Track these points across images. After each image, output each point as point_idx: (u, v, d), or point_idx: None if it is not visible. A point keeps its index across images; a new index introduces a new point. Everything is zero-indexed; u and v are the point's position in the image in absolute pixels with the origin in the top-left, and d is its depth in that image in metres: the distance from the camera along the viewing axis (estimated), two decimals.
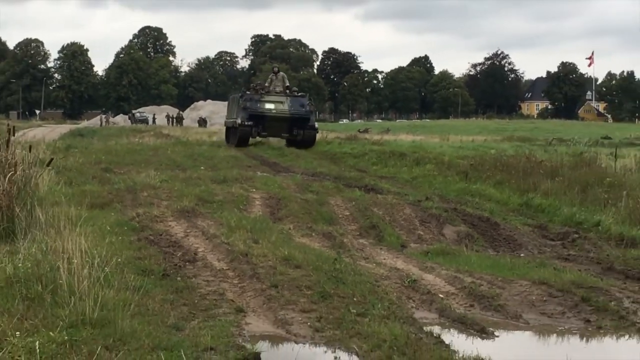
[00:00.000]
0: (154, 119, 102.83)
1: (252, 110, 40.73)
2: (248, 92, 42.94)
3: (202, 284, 11.46)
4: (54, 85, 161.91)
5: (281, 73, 45.65)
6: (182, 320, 9.59)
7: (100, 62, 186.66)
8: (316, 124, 43.72)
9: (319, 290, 10.97)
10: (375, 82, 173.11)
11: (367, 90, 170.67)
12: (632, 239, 17.45)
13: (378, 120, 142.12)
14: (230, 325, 9.58)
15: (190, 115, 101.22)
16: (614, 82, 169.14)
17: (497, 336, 10.38)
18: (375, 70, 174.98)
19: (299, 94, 44.59)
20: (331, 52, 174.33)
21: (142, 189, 21.29)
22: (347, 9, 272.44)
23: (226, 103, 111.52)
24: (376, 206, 20.71)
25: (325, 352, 9.06)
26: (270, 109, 41.25)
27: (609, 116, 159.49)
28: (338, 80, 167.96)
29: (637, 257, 15.11)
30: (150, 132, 60.47)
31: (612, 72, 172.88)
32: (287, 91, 43.10)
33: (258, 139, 44.02)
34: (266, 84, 44.19)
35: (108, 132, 61.43)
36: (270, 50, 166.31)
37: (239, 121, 40.35)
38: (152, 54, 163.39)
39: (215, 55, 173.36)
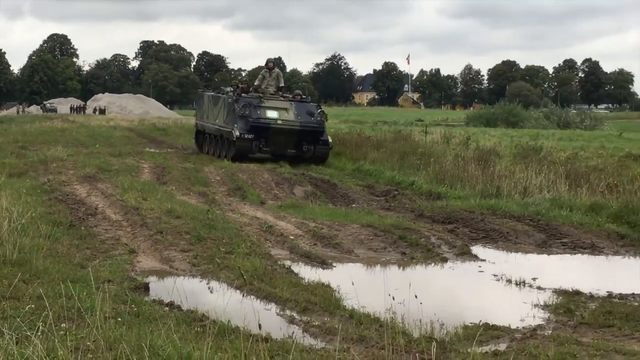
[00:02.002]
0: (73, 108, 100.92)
1: (253, 120, 24.82)
2: (245, 95, 26.11)
3: (101, 232, 11.37)
4: None
5: (276, 70, 28.18)
6: (86, 260, 9.54)
7: (17, 63, 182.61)
8: (329, 138, 26.33)
9: (195, 235, 10.99)
10: (240, 77, 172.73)
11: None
12: (437, 194, 17.92)
13: None
14: (124, 263, 9.56)
15: (92, 106, 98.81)
16: (425, 77, 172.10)
17: (335, 266, 10.57)
18: (240, 69, 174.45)
19: (304, 97, 27.81)
20: (205, 55, 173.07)
21: (52, 161, 21.05)
22: (218, 21, 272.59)
23: (122, 96, 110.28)
24: (241, 172, 20.77)
25: (201, 281, 9.12)
26: (274, 119, 25.29)
27: (422, 104, 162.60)
28: (210, 77, 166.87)
29: (440, 206, 15.50)
30: (58, 118, 58.84)
31: (424, 69, 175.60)
32: (280, 92, 26.98)
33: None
34: (256, 83, 27.63)
35: (24, 119, 59.52)
36: (155, 53, 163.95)
37: (236, 133, 24.57)
38: (59, 56, 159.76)
39: (111, 57, 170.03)
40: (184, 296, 7.81)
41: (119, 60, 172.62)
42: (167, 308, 7.48)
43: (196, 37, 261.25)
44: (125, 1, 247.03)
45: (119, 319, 6.31)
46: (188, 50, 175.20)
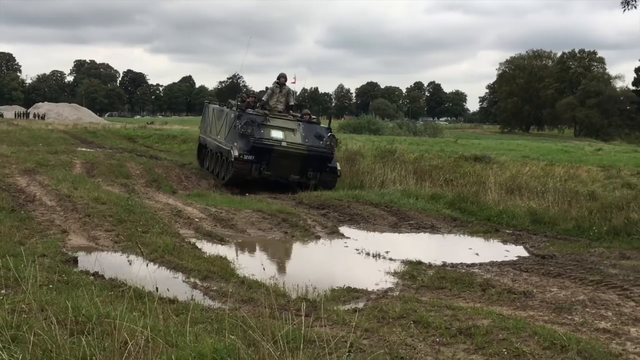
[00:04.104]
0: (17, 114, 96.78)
1: (256, 140, 18.16)
2: (249, 111, 19.19)
3: (38, 216, 10.94)
4: None
5: (288, 86, 20.57)
6: (25, 239, 9.15)
7: None
8: (337, 165, 19.21)
9: (117, 218, 10.72)
10: (157, 92, 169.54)
11: (153, 97, 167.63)
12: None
13: (160, 116, 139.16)
14: (57, 241, 9.23)
15: (33, 112, 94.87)
16: (306, 94, 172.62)
17: (231, 242, 10.50)
18: (158, 84, 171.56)
19: (313, 118, 20.32)
20: (129, 72, 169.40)
21: None
22: (141, 45, 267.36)
23: (59, 104, 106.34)
24: (157, 167, 20.46)
25: (121, 255, 8.89)
26: (278, 140, 18.53)
27: None
28: (133, 90, 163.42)
29: (316, 195, 15.58)
30: (4, 122, 56.47)
31: (305, 87, 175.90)
32: (291, 111, 19.90)
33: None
34: (264, 98, 20.17)
35: None
36: (87, 70, 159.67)
37: (235, 153, 18.13)
38: (5, 70, 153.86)
39: (50, 73, 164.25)
40: (107, 267, 7.64)
41: (56, 75, 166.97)
42: (92, 277, 7.28)
43: (122, 58, 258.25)
44: (63, 28, 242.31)
45: (50, 286, 6.11)
46: (115, 68, 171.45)
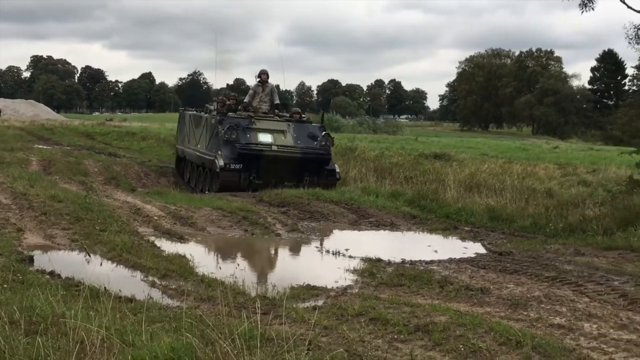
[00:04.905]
0: None
1: (242, 146, 16.48)
2: (231, 115, 17.46)
3: None
4: None
5: (271, 84, 18.59)
6: None
7: None
8: (336, 167, 17.70)
9: (74, 216, 10.58)
10: (116, 88, 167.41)
11: (112, 94, 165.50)
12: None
13: (119, 113, 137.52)
14: (13, 239, 9.07)
15: None
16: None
17: (190, 241, 10.43)
18: (117, 81, 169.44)
19: (303, 117, 18.87)
20: (87, 68, 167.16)
21: None
22: (99, 41, 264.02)
23: (15, 101, 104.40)
24: (116, 165, 20.26)
25: (78, 254, 8.77)
26: (267, 144, 16.77)
27: None
28: (92, 87, 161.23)
29: (276, 193, 15.45)
30: None
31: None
32: (277, 111, 18.18)
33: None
34: (245, 99, 18.36)
35: None
36: (45, 66, 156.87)
37: (220, 162, 16.33)
38: None
39: (6, 68, 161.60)
40: (64, 266, 7.55)
41: (12, 71, 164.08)
42: (48, 276, 7.17)
43: (80, 54, 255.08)
44: (20, 23, 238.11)
45: (5, 286, 6.01)
46: (73, 64, 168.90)
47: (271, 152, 16.59)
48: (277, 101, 18.42)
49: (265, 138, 16.81)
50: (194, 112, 20.62)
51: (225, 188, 16.30)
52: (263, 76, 18.28)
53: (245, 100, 18.25)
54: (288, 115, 18.30)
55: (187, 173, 19.89)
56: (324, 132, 17.50)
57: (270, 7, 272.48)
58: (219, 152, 16.56)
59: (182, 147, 20.50)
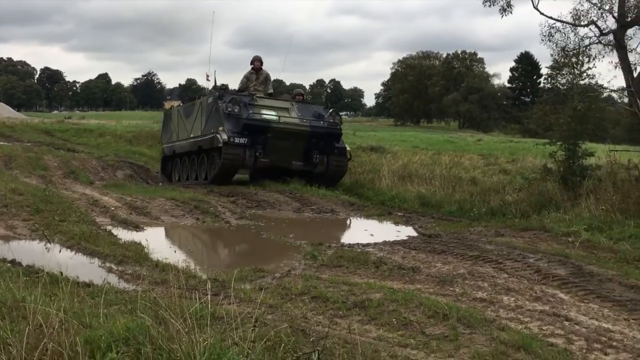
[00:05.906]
0: None
1: (248, 116, 14.22)
2: (232, 92, 15.40)
3: None
4: None
5: (265, 71, 16.21)
6: None
7: None
8: (347, 146, 15.93)
9: (35, 208, 10.33)
10: (74, 88, 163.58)
11: (70, 93, 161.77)
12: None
13: (77, 111, 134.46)
14: None
15: None
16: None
17: (145, 229, 10.30)
18: (75, 81, 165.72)
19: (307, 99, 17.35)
20: (46, 69, 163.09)
21: None
22: (58, 44, 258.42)
23: None
24: (74, 160, 19.78)
25: (39, 243, 8.56)
26: (272, 120, 14.43)
27: None
28: (51, 87, 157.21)
29: (226, 185, 15.38)
30: None
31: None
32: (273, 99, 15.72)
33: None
34: (239, 86, 16.12)
35: None
36: (4, 67, 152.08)
37: (224, 137, 13.86)
38: None
39: None
40: (24, 255, 7.35)
41: None
42: (9, 264, 6.99)
43: (39, 56, 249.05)
44: None
45: None
46: (32, 66, 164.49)
47: (279, 125, 14.36)
48: (271, 90, 16.16)
49: (269, 114, 14.52)
50: (184, 105, 18.25)
51: (228, 168, 14.30)
52: (256, 63, 16.10)
53: (238, 87, 16.11)
54: (290, 97, 16.49)
55: (176, 173, 17.55)
56: (331, 110, 15.65)
57: (219, 12, 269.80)
58: (221, 128, 14.23)
59: (170, 144, 18.08)
